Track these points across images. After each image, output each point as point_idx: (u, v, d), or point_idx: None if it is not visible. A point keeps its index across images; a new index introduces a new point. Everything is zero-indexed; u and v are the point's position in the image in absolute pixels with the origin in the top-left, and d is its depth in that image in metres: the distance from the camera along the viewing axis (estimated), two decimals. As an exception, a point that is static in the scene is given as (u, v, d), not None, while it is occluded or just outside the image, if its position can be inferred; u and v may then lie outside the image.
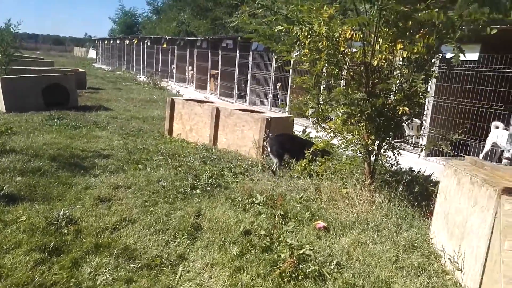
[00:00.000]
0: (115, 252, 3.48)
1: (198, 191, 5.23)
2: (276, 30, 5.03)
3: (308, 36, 4.77)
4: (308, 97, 5.48)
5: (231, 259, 3.56)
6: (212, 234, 4.03)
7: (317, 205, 4.96)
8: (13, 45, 15.46)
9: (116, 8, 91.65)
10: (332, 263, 3.56)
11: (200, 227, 4.18)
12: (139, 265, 3.36)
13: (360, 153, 5.24)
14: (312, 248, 3.71)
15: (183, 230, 4.02)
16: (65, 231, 3.82)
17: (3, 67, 14.32)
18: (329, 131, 5.39)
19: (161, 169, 6.04)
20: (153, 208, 4.56)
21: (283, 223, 4.41)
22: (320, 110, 5.39)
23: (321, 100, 5.39)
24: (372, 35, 4.47)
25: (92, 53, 47.51)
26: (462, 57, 4.08)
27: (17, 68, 14.24)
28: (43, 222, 3.90)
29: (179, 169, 5.99)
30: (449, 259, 3.53)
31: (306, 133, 9.24)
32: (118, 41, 31.03)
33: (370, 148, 5.04)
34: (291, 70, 8.86)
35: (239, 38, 13.36)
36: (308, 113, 5.77)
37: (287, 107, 10.28)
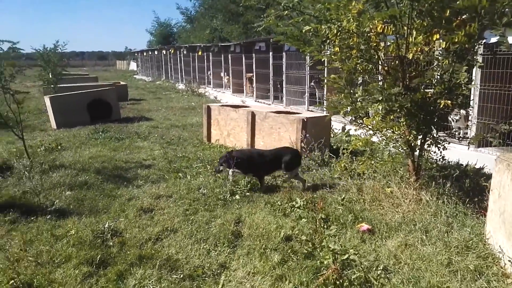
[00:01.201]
0: (158, 263, 3.52)
1: (237, 197, 5.23)
2: (304, 31, 4.92)
3: (338, 34, 4.63)
4: (341, 95, 5.32)
5: (273, 267, 3.50)
6: (253, 241, 3.99)
7: (360, 207, 4.80)
8: (60, 64, 16.41)
9: (152, 20, 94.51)
10: (379, 268, 3.40)
11: (240, 234, 4.16)
12: (182, 276, 3.38)
13: (402, 149, 5.02)
14: (356, 252, 3.57)
15: (223, 238, 4.01)
16: (111, 243, 3.94)
17: (52, 86, 15.21)
18: (368, 128, 5.19)
19: (200, 176, 6.10)
20: (194, 217, 4.59)
21: (325, 227, 4.27)
22: (357, 107, 5.21)
23: (357, 97, 5.21)
24: (405, 28, 4.25)
25: (133, 65, 49.36)
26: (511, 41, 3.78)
27: (64, 86, 15.03)
28: (90, 235, 4.03)
29: (219, 175, 6.01)
30: (509, 261, 3.27)
31: (345, 131, 9.02)
32: (156, 52, 31.95)
33: (412, 144, 4.80)
34: (325, 69, 8.67)
35: (271, 40, 13.30)
36: (345, 111, 5.60)
37: (324, 106, 10.08)
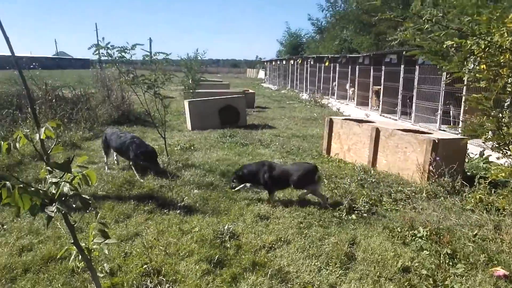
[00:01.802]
0: (269, 272, 3.64)
1: (353, 216, 5.08)
2: (445, 46, 4.54)
3: (486, 50, 4.15)
4: (484, 118, 4.74)
5: (386, 297, 3.30)
6: (367, 266, 3.83)
7: (497, 247, 4.20)
8: (199, 71, 18.25)
9: (283, 31, 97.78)
10: (515, 324, 2.94)
11: (354, 257, 4.03)
12: (291, 289, 3.43)
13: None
14: (487, 300, 3.15)
15: (336, 258, 3.94)
16: (228, 245, 4.20)
17: (191, 91, 16.96)
18: (515, 158, 4.53)
19: (317, 190, 6.08)
20: (308, 231, 4.61)
21: (451, 264, 3.88)
22: (503, 133, 4.59)
23: (504, 121, 4.59)
24: None
25: (261, 74, 51.97)
26: None
27: (199, 91, 16.62)
28: (211, 235, 4.37)
29: (335, 191, 5.92)
30: None
31: (484, 156, 8.00)
32: (284, 62, 33.05)
33: None
34: (464, 88, 7.84)
35: (404, 53, 12.58)
36: (487, 136, 4.99)
37: (459, 127, 9.09)
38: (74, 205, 2.68)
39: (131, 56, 7.26)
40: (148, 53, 7.59)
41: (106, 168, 7.03)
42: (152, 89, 7.52)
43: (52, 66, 48.36)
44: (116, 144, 6.92)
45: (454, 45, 4.54)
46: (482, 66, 4.44)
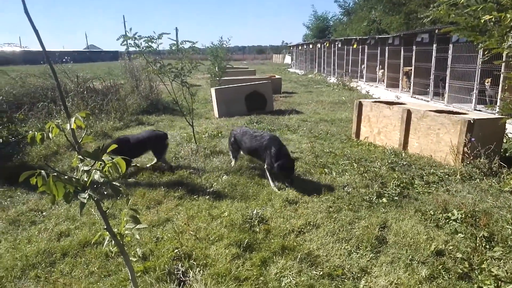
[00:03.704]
0: (299, 256, 3.63)
1: (384, 200, 4.98)
2: (482, 21, 4.29)
3: (527, 23, 3.90)
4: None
5: (419, 281, 3.24)
6: (398, 249, 3.76)
7: (538, 230, 4.01)
8: (224, 59, 18.24)
9: (309, 14, 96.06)
10: (557, 309, 2.82)
11: (385, 240, 3.96)
12: (321, 273, 3.42)
13: None
14: (527, 284, 3.02)
15: (366, 242, 3.88)
16: (257, 229, 4.23)
17: (217, 78, 17.01)
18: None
19: (346, 174, 6.00)
20: (337, 215, 4.56)
21: (487, 247, 3.74)
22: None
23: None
24: None
25: (287, 59, 51.38)
26: None
27: (226, 78, 16.64)
28: (240, 219, 4.40)
29: (365, 175, 5.82)
30: None
31: (523, 136, 7.62)
32: (311, 46, 32.48)
33: None
34: (503, 64, 7.44)
35: (436, 31, 12.07)
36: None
37: (497, 106, 8.67)
38: (105, 192, 2.75)
39: (158, 45, 7.32)
40: (175, 42, 7.63)
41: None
42: (179, 77, 7.58)
43: (83, 59, 49.70)
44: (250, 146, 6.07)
45: (493, 19, 4.30)
46: (523, 40, 4.18)
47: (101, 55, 76.48)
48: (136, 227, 2.85)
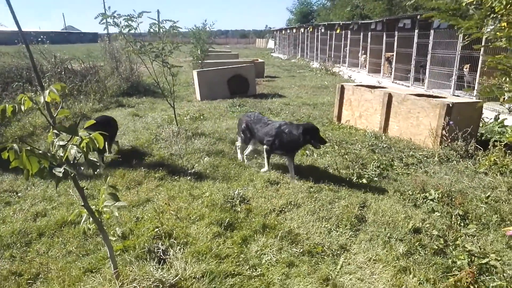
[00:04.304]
0: (279, 234, 3.66)
1: (364, 180, 5.05)
2: (464, 4, 4.33)
3: (508, 7, 3.94)
4: (504, 79, 4.57)
5: (396, 257, 3.31)
6: (377, 228, 3.82)
7: (510, 208, 4.15)
8: (207, 42, 17.96)
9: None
10: (527, 282, 2.93)
11: (364, 219, 4.02)
12: (301, 250, 3.45)
13: None
14: (499, 258, 3.13)
15: (346, 220, 3.93)
16: (239, 209, 4.23)
17: (200, 61, 16.77)
18: (531, 119, 4.39)
19: (327, 156, 6.04)
20: (318, 195, 4.60)
21: (462, 224, 3.85)
22: (521, 93, 4.43)
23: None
24: None
25: (271, 44, 51.05)
26: None
27: (209, 61, 16.42)
28: (222, 199, 4.39)
29: (346, 156, 5.87)
30: None
31: (499, 120, 7.81)
32: (294, 30, 32.32)
33: None
34: (481, 48, 7.57)
35: (418, 17, 12.15)
36: (504, 98, 4.84)
37: (475, 90, 8.85)
38: (82, 168, 2.68)
39: (138, 24, 7.12)
40: (155, 21, 7.43)
41: (240, 156, 5.95)
42: (159, 57, 7.42)
43: (61, 40, 48.26)
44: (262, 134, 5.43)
45: (474, 3, 4.33)
46: (503, 24, 4.23)
47: (80, 36, 74.34)
48: (115, 204, 2.81)
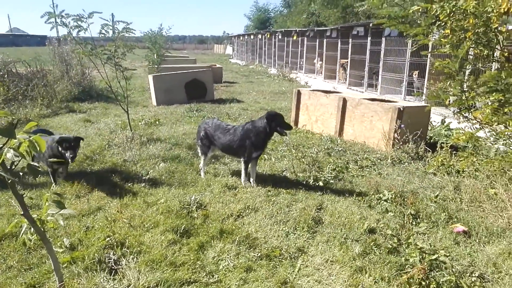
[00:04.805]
0: (237, 239, 3.59)
1: (320, 183, 5.10)
2: (411, 11, 4.52)
3: (451, 15, 4.15)
4: (449, 83, 4.81)
5: (353, 257, 3.34)
6: (334, 229, 3.86)
7: (456, 206, 4.35)
8: (164, 47, 17.63)
9: (251, 5, 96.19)
10: (474, 275, 3.07)
11: (321, 221, 4.05)
12: (259, 254, 3.41)
13: (516, 147, 4.40)
14: (448, 254, 3.25)
15: (303, 223, 3.94)
16: (195, 215, 4.12)
17: (156, 66, 16.42)
18: (475, 122, 4.63)
19: (285, 159, 6.08)
20: (275, 198, 4.59)
21: (414, 223, 3.98)
22: (464, 98, 4.67)
23: (465, 86, 4.67)
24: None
25: (229, 50, 51.11)
26: None
27: (165, 66, 16.12)
28: (178, 206, 4.26)
29: (303, 160, 5.91)
30: None
31: (445, 124, 8.23)
32: (252, 37, 32.54)
33: (529, 142, 4.18)
34: (429, 54, 7.96)
35: (371, 24, 12.61)
36: (449, 101, 5.08)
37: (424, 95, 9.29)
38: (21, 173, 2.48)
39: (89, 25, 6.82)
40: (107, 22, 7.14)
41: (203, 174, 5.42)
42: (112, 60, 7.15)
43: (6, 43, 45.60)
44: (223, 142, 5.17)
45: (420, 10, 4.53)
46: (447, 31, 4.45)
47: (27, 39, 70.57)
48: (60, 212, 2.62)
